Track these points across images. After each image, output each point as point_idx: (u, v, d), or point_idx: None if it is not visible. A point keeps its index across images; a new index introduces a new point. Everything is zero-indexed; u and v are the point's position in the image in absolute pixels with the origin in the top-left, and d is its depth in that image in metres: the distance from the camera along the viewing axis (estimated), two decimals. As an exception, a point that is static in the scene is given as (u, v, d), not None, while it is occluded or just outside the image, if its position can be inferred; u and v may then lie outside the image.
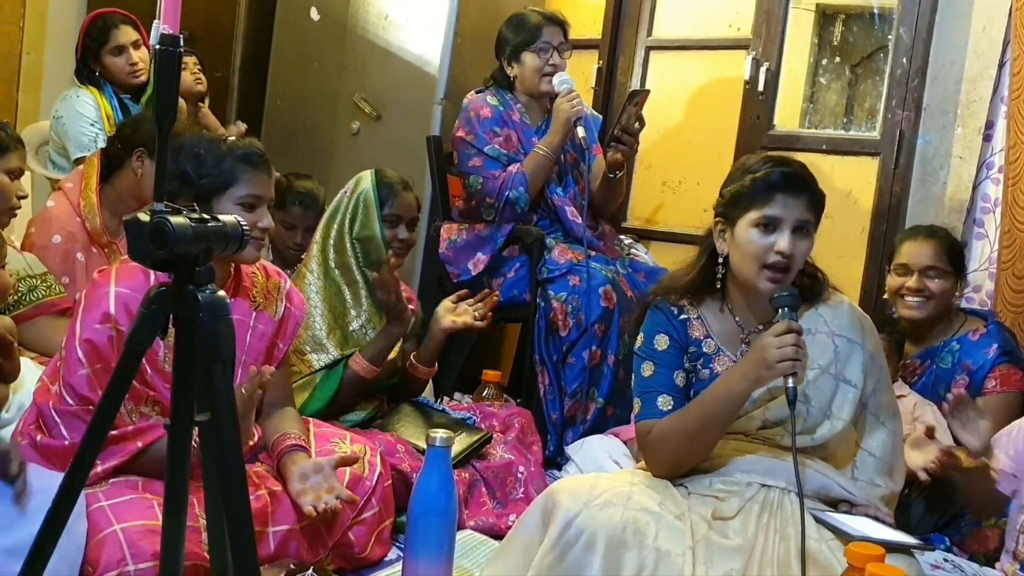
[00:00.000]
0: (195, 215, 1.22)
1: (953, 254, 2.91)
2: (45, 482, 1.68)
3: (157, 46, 1.13)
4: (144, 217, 1.18)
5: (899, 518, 2.30)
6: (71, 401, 1.89)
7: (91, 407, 1.87)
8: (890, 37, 3.66)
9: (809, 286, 2.12)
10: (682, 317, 2.11)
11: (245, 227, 1.27)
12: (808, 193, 2.02)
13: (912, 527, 2.52)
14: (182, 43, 1.17)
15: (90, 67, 3.62)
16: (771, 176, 2.00)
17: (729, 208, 2.06)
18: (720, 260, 2.10)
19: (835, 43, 4.38)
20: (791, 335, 1.88)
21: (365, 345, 2.70)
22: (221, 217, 1.25)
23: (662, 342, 2.10)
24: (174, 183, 2.01)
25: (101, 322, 1.91)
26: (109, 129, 3.51)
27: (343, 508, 2.05)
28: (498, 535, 2.44)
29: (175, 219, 1.18)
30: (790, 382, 1.86)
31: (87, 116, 3.53)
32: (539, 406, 3.18)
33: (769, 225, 2.00)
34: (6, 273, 2.40)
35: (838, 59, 4.37)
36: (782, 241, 1.99)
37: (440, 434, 1.93)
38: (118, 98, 3.64)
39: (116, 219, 2.92)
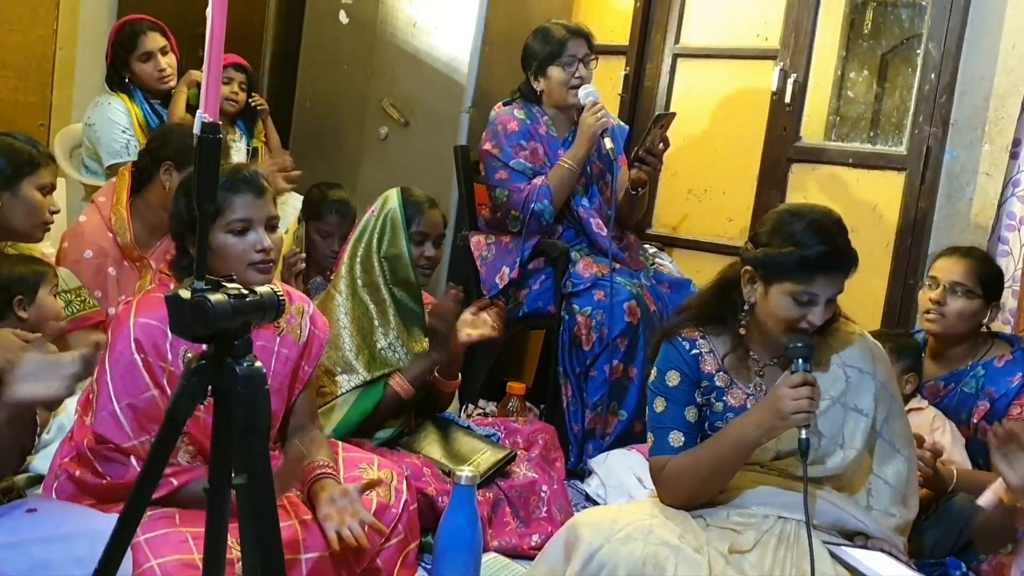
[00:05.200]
0: (234, 290, 1.26)
1: (988, 278, 2.84)
2: (90, 524, 1.73)
3: (198, 134, 1.17)
4: (185, 294, 1.23)
5: (915, 543, 2.34)
6: (102, 444, 1.95)
7: (119, 447, 1.94)
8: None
9: None
10: (694, 352, 2.15)
11: (280, 296, 1.32)
12: (847, 269, 2.05)
13: (928, 551, 2.55)
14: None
15: (120, 74, 3.66)
16: (814, 255, 2.00)
17: (765, 268, 2.05)
18: (745, 307, 2.12)
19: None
20: (806, 387, 1.92)
21: (407, 366, 2.74)
22: (258, 289, 1.30)
23: (673, 378, 2.14)
24: (179, 225, 2.09)
25: (128, 353, 1.97)
26: (142, 136, 3.56)
27: (369, 535, 2.09)
28: (521, 555, 2.51)
29: (214, 297, 1.22)
30: (803, 433, 1.92)
31: (118, 123, 3.57)
32: (562, 418, 3.24)
33: (805, 300, 2.02)
34: (59, 302, 2.45)
35: (866, 72, 4.35)
36: (814, 315, 2.02)
37: (466, 472, 2.02)
38: (149, 103, 3.69)
39: (147, 232, 2.97)
